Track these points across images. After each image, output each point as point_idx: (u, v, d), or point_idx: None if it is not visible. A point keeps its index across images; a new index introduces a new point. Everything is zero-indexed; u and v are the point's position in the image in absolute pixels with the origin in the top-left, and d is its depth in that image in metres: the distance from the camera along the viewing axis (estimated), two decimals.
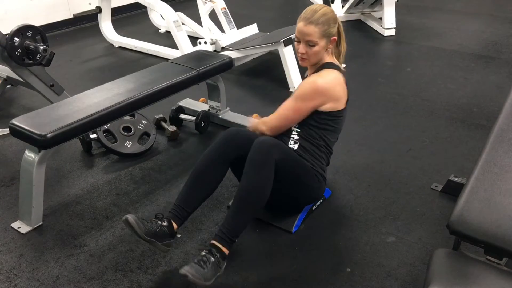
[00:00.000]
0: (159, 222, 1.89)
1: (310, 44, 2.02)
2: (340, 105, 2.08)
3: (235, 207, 1.86)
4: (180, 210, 1.95)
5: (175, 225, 1.93)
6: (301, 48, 2.05)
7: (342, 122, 2.15)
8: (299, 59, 2.12)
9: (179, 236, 1.89)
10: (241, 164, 1.94)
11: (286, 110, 2.11)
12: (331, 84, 2.05)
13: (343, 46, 2.16)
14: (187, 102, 3.28)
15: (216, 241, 1.83)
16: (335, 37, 2.08)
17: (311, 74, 2.13)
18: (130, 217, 1.82)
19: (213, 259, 1.78)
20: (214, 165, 1.99)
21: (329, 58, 2.11)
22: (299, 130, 2.11)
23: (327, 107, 2.05)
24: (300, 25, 2.02)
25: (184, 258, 2.00)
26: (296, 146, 2.10)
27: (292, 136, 2.12)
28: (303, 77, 2.27)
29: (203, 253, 1.80)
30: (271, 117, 2.15)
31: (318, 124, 2.08)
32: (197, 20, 4.56)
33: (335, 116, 2.09)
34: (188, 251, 2.03)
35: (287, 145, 2.10)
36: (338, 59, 2.17)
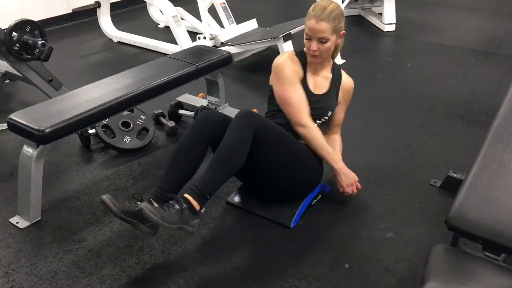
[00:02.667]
0: (138, 203, 1.86)
1: (322, 41, 2.06)
2: None
3: (210, 165, 1.89)
4: (161, 190, 1.93)
5: (156, 206, 1.87)
6: (314, 45, 2.07)
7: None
8: (311, 56, 2.13)
9: (171, 202, 1.85)
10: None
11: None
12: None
13: (341, 41, 2.20)
14: (186, 98, 3.28)
15: (187, 194, 1.85)
16: (344, 31, 2.12)
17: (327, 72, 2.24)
18: (105, 196, 1.81)
19: (177, 207, 1.80)
20: (191, 145, 2.01)
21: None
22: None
23: None
24: (311, 22, 2.04)
25: (182, 253, 2.00)
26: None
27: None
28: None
29: (170, 201, 1.83)
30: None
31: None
32: (196, 15, 4.54)
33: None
34: (186, 247, 2.03)
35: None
36: (332, 55, 2.23)
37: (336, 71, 2.27)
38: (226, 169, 1.91)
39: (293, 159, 2.09)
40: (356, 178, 2.23)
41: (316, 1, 2.11)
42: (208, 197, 1.87)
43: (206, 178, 1.88)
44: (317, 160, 2.18)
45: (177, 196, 1.88)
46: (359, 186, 2.24)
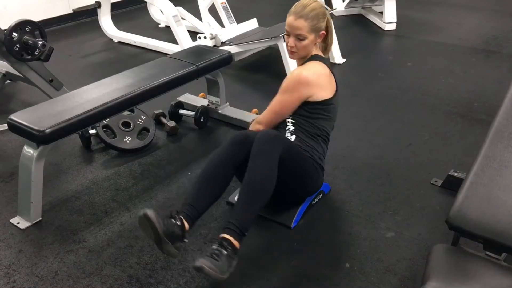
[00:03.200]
0: (173, 221, 1.79)
1: (300, 38, 2.06)
2: (328, 94, 2.11)
3: (244, 199, 1.84)
4: (192, 209, 1.87)
5: (186, 225, 1.83)
6: (291, 41, 2.09)
7: (334, 110, 2.18)
8: (288, 52, 2.15)
9: (186, 241, 1.83)
10: (244, 167, 1.93)
11: (275, 104, 2.16)
12: (315, 75, 2.08)
13: (331, 40, 2.19)
14: (187, 97, 3.28)
15: (226, 234, 1.78)
16: (324, 32, 2.11)
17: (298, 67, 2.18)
18: (151, 213, 1.71)
19: (225, 252, 1.74)
20: (224, 168, 1.96)
21: (316, 51, 2.15)
22: (293, 121, 2.14)
23: (315, 97, 2.08)
24: (290, 19, 2.06)
25: (183, 254, 2.00)
26: (293, 138, 2.12)
27: (288, 127, 2.14)
28: None
29: (214, 246, 1.75)
30: (264, 114, 2.20)
31: (310, 114, 2.11)
32: (197, 14, 4.54)
33: (325, 105, 2.11)
34: (187, 247, 2.03)
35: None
36: (324, 52, 2.20)
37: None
38: (261, 199, 1.86)
39: (300, 172, 2.06)
40: None
41: None
42: (246, 234, 1.82)
43: (242, 214, 1.83)
44: (319, 169, 2.15)
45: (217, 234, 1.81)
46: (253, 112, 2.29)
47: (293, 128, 2.13)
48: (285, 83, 2.14)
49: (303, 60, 2.16)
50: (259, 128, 2.17)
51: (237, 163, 1.98)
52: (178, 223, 1.80)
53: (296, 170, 2.03)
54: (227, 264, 1.72)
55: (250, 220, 1.83)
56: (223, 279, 1.71)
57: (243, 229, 1.80)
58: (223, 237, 1.78)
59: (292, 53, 2.13)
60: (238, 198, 1.87)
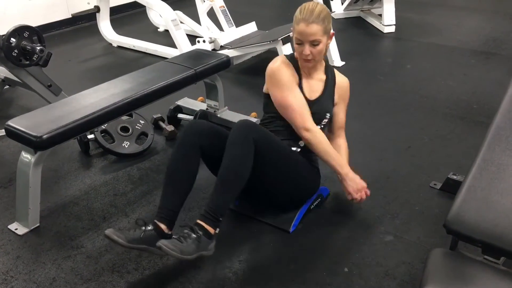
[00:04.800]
0: (142, 228, 1.86)
1: (314, 43, 2.02)
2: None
3: (218, 187, 1.87)
4: (163, 210, 1.92)
5: (162, 226, 1.88)
6: (306, 49, 2.02)
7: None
8: (303, 61, 2.08)
9: (175, 237, 1.84)
10: (212, 157, 1.99)
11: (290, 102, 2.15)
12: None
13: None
14: (185, 101, 3.27)
15: (199, 220, 1.84)
16: (333, 32, 2.10)
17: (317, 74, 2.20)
18: (108, 231, 1.81)
19: (194, 236, 1.78)
20: (183, 158, 1.98)
21: None
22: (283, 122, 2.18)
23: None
24: (301, 26, 2.00)
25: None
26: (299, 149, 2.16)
27: (300, 142, 2.17)
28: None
29: (185, 230, 1.81)
30: (294, 120, 2.15)
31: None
32: (196, 18, 4.55)
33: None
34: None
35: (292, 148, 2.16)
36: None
37: (329, 72, 2.23)
38: (234, 186, 1.88)
39: (291, 168, 2.07)
40: (364, 184, 2.16)
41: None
42: (220, 219, 1.85)
43: (216, 200, 1.85)
44: (314, 169, 2.15)
45: (187, 219, 1.87)
46: (368, 192, 2.17)
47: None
48: (348, 93, 2.27)
49: (315, 67, 2.16)
50: (306, 135, 2.11)
51: (194, 149, 1.98)
52: (149, 227, 1.87)
53: (283, 163, 2.03)
54: (194, 246, 1.77)
55: (223, 206, 1.87)
56: (186, 260, 1.75)
57: (216, 215, 1.84)
58: (196, 223, 1.84)
59: (308, 61, 2.07)
60: (214, 185, 1.89)
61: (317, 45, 2.02)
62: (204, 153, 2.01)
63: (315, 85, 2.19)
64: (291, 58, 2.18)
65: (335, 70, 2.29)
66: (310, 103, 2.15)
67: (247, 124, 1.93)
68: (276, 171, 2.02)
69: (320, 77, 2.20)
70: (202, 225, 1.82)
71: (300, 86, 2.15)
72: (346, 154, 2.31)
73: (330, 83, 2.22)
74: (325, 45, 2.07)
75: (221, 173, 1.88)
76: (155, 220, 1.90)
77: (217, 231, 1.86)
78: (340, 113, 2.31)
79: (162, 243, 1.72)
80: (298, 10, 2.04)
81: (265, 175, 2.01)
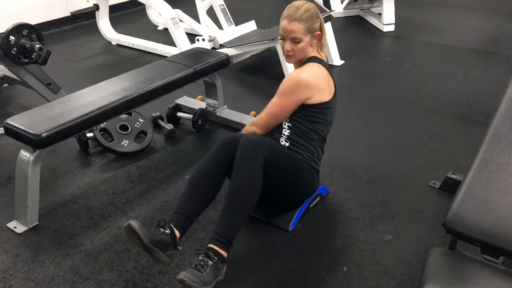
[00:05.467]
0: (161, 229, 1.79)
1: (296, 41, 2.03)
2: (326, 97, 2.08)
3: (227, 207, 1.84)
4: (182, 217, 1.86)
5: (177, 233, 1.83)
6: (287, 45, 2.06)
7: (331, 114, 2.15)
8: (285, 56, 2.13)
9: (180, 248, 1.82)
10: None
11: (272, 107, 2.12)
12: (313, 77, 2.05)
13: (325, 40, 2.15)
14: (185, 100, 3.27)
15: (212, 244, 1.78)
16: (319, 32, 2.09)
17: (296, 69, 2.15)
18: (134, 223, 1.71)
19: (211, 263, 1.73)
20: (213, 174, 1.95)
21: (313, 53, 2.12)
22: (290, 125, 2.11)
23: (313, 99, 2.05)
24: (284, 23, 2.03)
25: (180, 258, 1.99)
26: (287, 144, 2.10)
27: (283, 132, 2.12)
28: None
29: (200, 257, 1.76)
30: (260, 116, 2.16)
31: (307, 117, 2.08)
32: (195, 17, 4.54)
33: (322, 108, 2.08)
34: (184, 251, 2.02)
35: (279, 142, 2.11)
36: (321, 53, 2.16)
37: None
38: (244, 207, 1.85)
39: (292, 174, 2.05)
40: None
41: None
42: (232, 242, 1.82)
43: (228, 222, 1.81)
44: (314, 170, 2.14)
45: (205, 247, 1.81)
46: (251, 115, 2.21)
47: (289, 132, 2.11)
48: (283, 85, 2.10)
49: (300, 62, 2.13)
50: (254, 130, 2.14)
51: (226, 167, 1.96)
52: (167, 231, 1.79)
53: (287, 174, 2.02)
54: (212, 274, 1.72)
55: (235, 227, 1.82)
56: None
57: (229, 238, 1.79)
58: (209, 247, 1.78)
59: (289, 57, 2.11)
60: (223, 206, 1.86)
61: (298, 42, 2.03)
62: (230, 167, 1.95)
63: None
64: None
65: (307, 65, 2.10)
66: None
67: (255, 141, 1.90)
68: (280, 179, 2.00)
69: None
70: (216, 249, 1.77)
71: None
72: None
73: None
74: (308, 44, 2.06)
75: (231, 193, 1.84)
76: (172, 225, 1.83)
77: (228, 253, 1.81)
78: None
79: (184, 276, 1.65)
80: (287, 7, 2.05)
81: (269, 183, 1.96)
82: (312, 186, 2.18)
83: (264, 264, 1.96)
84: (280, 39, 2.09)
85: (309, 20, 2.01)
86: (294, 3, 2.05)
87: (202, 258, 1.75)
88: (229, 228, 1.80)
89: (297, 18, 1.99)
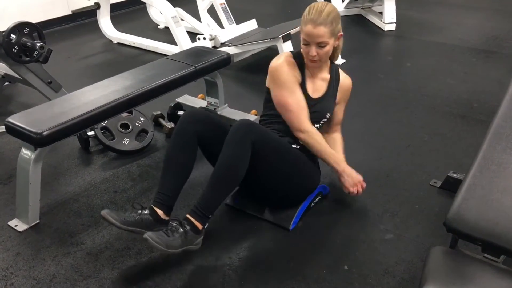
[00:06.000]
0: (139, 211, 1.90)
1: (321, 45, 2.01)
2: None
3: (210, 184, 1.88)
4: (160, 195, 1.95)
5: (159, 211, 1.92)
6: (313, 50, 2.01)
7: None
8: (310, 61, 2.08)
9: (162, 230, 1.83)
10: (210, 146, 2.01)
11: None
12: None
13: (340, 42, 2.15)
14: (186, 99, 3.27)
15: (189, 215, 1.85)
16: (342, 33, 2.09)
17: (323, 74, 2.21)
18: (104, 211, 1.86)
19: (181, 230, 1.80)
20: (180, 146, 2.00)
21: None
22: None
23: None
24: (308, 27, 1.98)
25: (180, 255, 1.98)
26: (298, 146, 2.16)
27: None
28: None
29: (173, 224, 1.83)
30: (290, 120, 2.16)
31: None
32: (196, 15, 4.54)
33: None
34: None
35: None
36: (334, 55, 2.19)
37: (334, 71, 2.23)
38: (227, 185, 1.90)
39: (290, 167, 2.07)
40: (360, 177, 2.21)
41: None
42: (210, 216, 1.87)
43: (207, 197, 1.87)
44: (313, 164, 2.16)
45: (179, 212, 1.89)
46: (364, 185, 2.21)
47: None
48: (349, 93, 2.29)
49: (321, 67, 2.17)
50: (302, 136, 2.13)
51: (191, 137, 2.00)
52: (145, 211, 1.91)
53: (284, 162, 2.04)
54: (180, 241, 1.79)
55: (213, 202, 1.88)
56: (171, 254, 1.77)
57: (206, 211, 1.85)
58: (185, 217, 1.85)
59: (314, 62, 2.07)
60: (207, 182, 1.90)
61: (324, 46, 2.01)
62: (201, 141, 2.03)
63: (318, 84, 2.19)
64: (296, 55, 2.16)
65: (340, 70, 2.28)
66: (313, 102, 2.16)
67: (246, 124, 1.93)
68: (276, 169, 2.03)
69: (324, 76, 2.21)
70: (190, 220, 1.84)
71: (304, 84, 2.15)
72: (341, 146, 2.35)
73: (333, 83, 2.23)
74: (332, 46, 2.06)
75: (215, 171, 1.89)
76: (152, 205, 1.93)
77: (205, 227, 1.88)
78: (339, 111, 2.34)
79: (148, 235, 1.73)
80: (307, 9, 2.01)
81: (264, 173, 2.02)
82: (314, 178, 2.20)
83: (264, 263, 1.97)
84: (303, 44, 2.04)
85: (333, 23, 1.99)
86: (314, 5, 2.00)
87: (175, 225, 1.82)
88: (207, 202, 1.87)
89: (322, 22, 1.96)
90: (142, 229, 1.84)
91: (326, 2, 2.06)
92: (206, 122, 2.04)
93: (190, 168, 2.03)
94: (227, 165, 1.88)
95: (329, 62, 2.21)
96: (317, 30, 1.96)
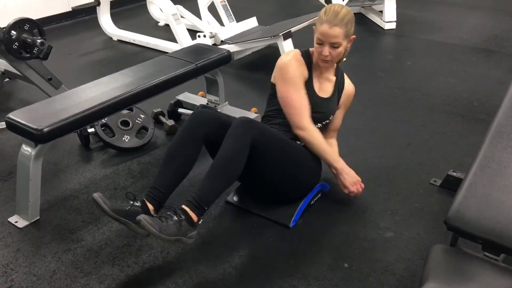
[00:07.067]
0: (131, 202, 1.87)
1: (335, 46, 2.04)
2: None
3: (208, 175, 1.88)
4: (154, 191, 1.93)
5: (150, 206, 1.90)
6: (325, 50, 2.05)
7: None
8: (322, 61, 2.11)
9: (156, 216, 1.82)
10: (215, 146, 1.98)
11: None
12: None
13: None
14: (186, 96, 3.27)
15: (184, 205, 1.84)
16: (354, 36, 2.12)
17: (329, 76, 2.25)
18: (96, 194, 1.81)
19: (175, 218, 1.79)
20: (185, 143, 2.00)
21: None
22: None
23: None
24: (324, 27, 2.01)
25: (181, 253, 1.99)
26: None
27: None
28: None
29: (168, 212, 1.82)
30: (292, 117, 2.18)
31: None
32: (196, 13, 4.53)
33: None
34: (185, 247, 2.02)
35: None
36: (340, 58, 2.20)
37: (339, 74, 2.28)
38: (224, 179, 1.90)
39: (291, 163, 2.08)
40: (358, 177, 2.22)
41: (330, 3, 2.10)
42: (206, 208, 1.86)
43: (204, 189, 1.86)
44: (315, 160, 2.18)
45: (176, 205, 1.87)
46: (363, 185, 2.23)
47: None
48: (351, 100, 2.35)
49: (329, 68, 2.20)
50: (301, 134, 2.14)
51: (198, 137, 2.00)
52: (137, 203, 1.87)
53: (284, 158, 2.05)
54: (173, 228, 1.75)
55: (210, 195, 1.87)
56: (164, 239, 1.73)
57: (202, 203, 1.84)
58: (180, 207, 1.84)
59: (325, 62, 2.10)
60: (205, 175, 1.90)
61: (337, 47, 2.05)
62: (208, 142, 2.03)
63: (325, 85, 2.23)
64: (305, 54, 2.19)
65: (345, 74, 2.32)
66: (320, 100, 2.18)
67: (246, 121, 1.94)
68: (277, 165, 2.04)
69: (330, 77, 2.24)
70: (186, 210, 1.82)
71: (311, 83, 2.17)
72: (337, 153, 2.36)
73: (339, 86, 2.27)
74: (345, 48, 2.09)
75: (214, 163, 1.90)
76: (144, 199, 1.91)
77: (200, 221, 1.86)
78: (339, 117, 2.37)
79: (143, 217, 1.71)
80: (323, 10, 2.05)
81: (265, 170, 2.03)
82: (315, 174, 2.21)
83: (265, 260, 1.97)
84: (317, 43, 2.07)
85: (348, 25, 2.03)
86: (331, 6, 2.04)
87: (169, 213, 1.81)
88: (204, 194, 1.85)
89: (338, 23, 1.99)
90: (131, 221, 1.80)
91: (343, 5, 2.07)
92: (215, 124, 2.03)
93: (190, 167, 2.02)
94: (226, 158, 1.88)
95: (335, 64, 2.24)
96: (332, 30, 2.00)
